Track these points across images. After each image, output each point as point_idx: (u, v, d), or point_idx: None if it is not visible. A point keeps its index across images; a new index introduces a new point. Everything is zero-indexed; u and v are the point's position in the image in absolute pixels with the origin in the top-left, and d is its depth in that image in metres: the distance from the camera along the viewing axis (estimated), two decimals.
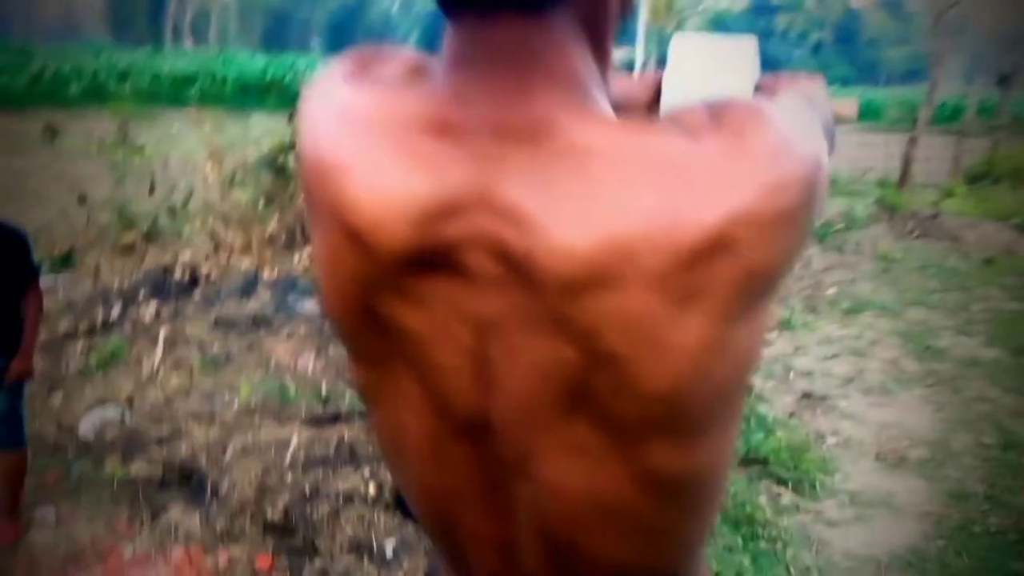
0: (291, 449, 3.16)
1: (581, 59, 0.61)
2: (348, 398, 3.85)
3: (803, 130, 0.59)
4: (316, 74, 0.70)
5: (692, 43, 0.93)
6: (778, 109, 0.59)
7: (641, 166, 0.55)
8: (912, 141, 10.68)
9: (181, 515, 2.87)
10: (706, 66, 0.85)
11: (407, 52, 0.68)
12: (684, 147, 0.55)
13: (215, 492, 2.96)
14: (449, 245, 0.59)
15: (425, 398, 0.66)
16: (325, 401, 3.80)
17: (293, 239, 5.94)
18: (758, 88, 1.04)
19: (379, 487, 2.95)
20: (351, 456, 3.15)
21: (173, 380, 4.00)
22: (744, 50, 0.89)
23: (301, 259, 5.71)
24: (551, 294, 0.56)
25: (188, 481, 3.05)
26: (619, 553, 0.67)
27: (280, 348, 4.42)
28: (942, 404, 4.25)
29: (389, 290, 0.62)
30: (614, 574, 0.69)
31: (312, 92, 0.68)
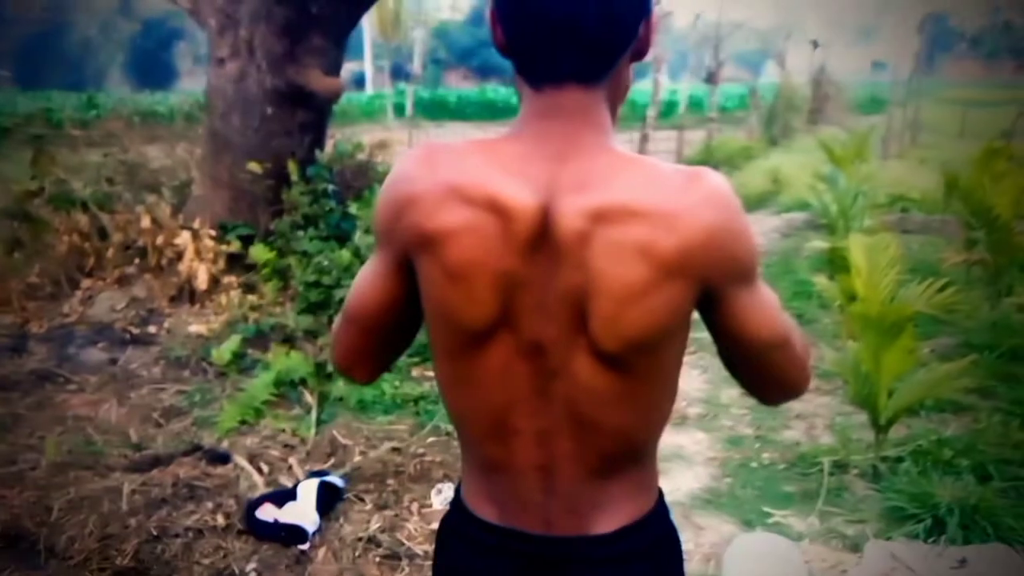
0: (125, 496, 3.13)
1: (606, 114, 1.02)
2: (161, 441, 3.80)
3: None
4: (410, 148, 1.06)
5: None
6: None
7: (638, 173, 0.97)
8: (644, 138, 11.75)
9: None
10: None
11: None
12: (666, 168, 0.99)
13: (51, 551, 2.87)
14: (543, 229, 0.95)
15: (512, 335, 1.00)
16: (138, 447, 3.74)
17: (59, 288, 5.62)
18: None
19: (227, 516, 3.01)
20: (191, 493, 3.17)
21: None
22: None
23: (72, 308, 5.45)
24: (577, 244, 0.94)
25: (16, 545, 2.94)
26: (625, 423, 1.04)
27: (74, 401, 4.26)
28: (706, 366, 4.86)
29: (519, 256, 0.96)
30: (619, 439, 1.05)
31: (418, 155, 1.03)
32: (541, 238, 0.95)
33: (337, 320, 1.15)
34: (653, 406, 1.07)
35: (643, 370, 1.01)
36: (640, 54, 1.04)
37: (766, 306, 1.04)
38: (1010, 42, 16.59)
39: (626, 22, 0.97)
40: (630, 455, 1.08)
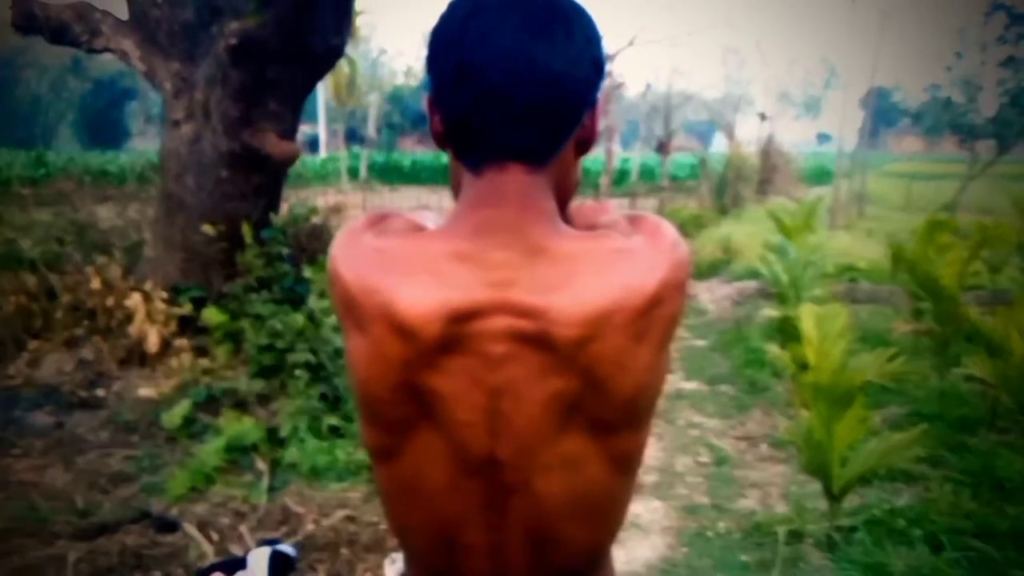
0: (70, 565, 3.02)
1: (552, 201, 0.95)
2: (108, 508, 3.69)
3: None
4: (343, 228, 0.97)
5: None
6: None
7: (601, 260, 0.89)
8: None
9: None
10: None
11: (405, 214, 0.99)
12: (624, 244, 0.91)
13: None
14: (472, 336, 0.89)
15: (446, 448, 0.93)
16: (84, 514, 3.62)
17: (5, 349, 5.48)
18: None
19: None
20: (139, 563, 3.07)
21: None
22: None
23: (18, 370, 5.30)
24: (562, 350, 0.88)
25: None
26: (585, 533, 0.98)
27: (18, 466, 4.12)
28: (661, 434, 4.89)
29: (426, 367, 0.90)
30: (580, 553, 0.99)
31: (344, 239, 0.96)
32: (471, 348, 0.89)
33: None
34: (617, 513, 1.02)
35: (637, 444, 0.97)
36: (586, 143, 0.99)
37: None
38: (951, 118, 17.36)
39: (570, 95, 0.91)
40: (591, 563, 1.04)
